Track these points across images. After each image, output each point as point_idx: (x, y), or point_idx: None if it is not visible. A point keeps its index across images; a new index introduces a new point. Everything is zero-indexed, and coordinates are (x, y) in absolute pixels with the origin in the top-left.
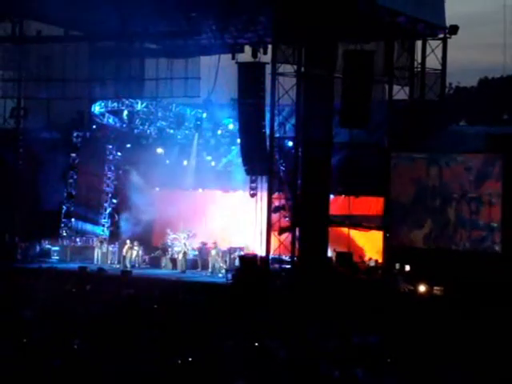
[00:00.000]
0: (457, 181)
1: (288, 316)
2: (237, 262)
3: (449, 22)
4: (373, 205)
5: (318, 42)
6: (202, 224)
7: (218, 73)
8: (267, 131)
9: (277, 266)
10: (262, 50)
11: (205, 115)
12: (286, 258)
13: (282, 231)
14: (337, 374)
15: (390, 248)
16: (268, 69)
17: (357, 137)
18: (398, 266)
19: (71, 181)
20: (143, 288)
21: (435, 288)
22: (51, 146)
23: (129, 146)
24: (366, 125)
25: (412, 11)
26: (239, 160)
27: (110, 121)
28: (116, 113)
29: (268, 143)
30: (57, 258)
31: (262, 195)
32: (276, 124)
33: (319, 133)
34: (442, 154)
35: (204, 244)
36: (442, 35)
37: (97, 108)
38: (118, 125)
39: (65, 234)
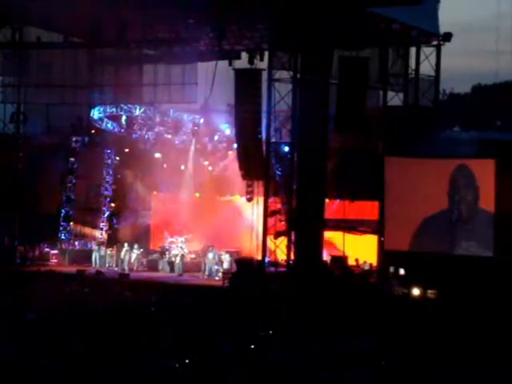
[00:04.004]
0: (450, 185)
1: (283, 319)
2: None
3: (443, 30)
4: (367, 209)
5: (314, 49)
6: (199, 228)
7: (214, 79)
8: (263, 136)
9: (272, 269)
10: (258, 57)
11: (202, 121)
12: (282, 261)
13: (277, 235)
14: (332, 376)
15: (385, 252)
16: (264, 75)
17: (352, 142)
18: (392, 269)
19: (70, 185)
20: (141, 291)
21: (429, 291)
22: (50, 150)
23: (127, 150)
24: (361, 130)
25: (406, 18)
26: (236, 165)
27: (109, 126)
28: (114, 118)
29: (264, 148)
30: (55, 261)
31: (259, 199)
32: (272, 129)
33: (315, 138)
34: (435, 160)
35: (208, 247)
36: (435, 42)
37: (95, 113)
38: (116, 130)
39: (63, 238)
